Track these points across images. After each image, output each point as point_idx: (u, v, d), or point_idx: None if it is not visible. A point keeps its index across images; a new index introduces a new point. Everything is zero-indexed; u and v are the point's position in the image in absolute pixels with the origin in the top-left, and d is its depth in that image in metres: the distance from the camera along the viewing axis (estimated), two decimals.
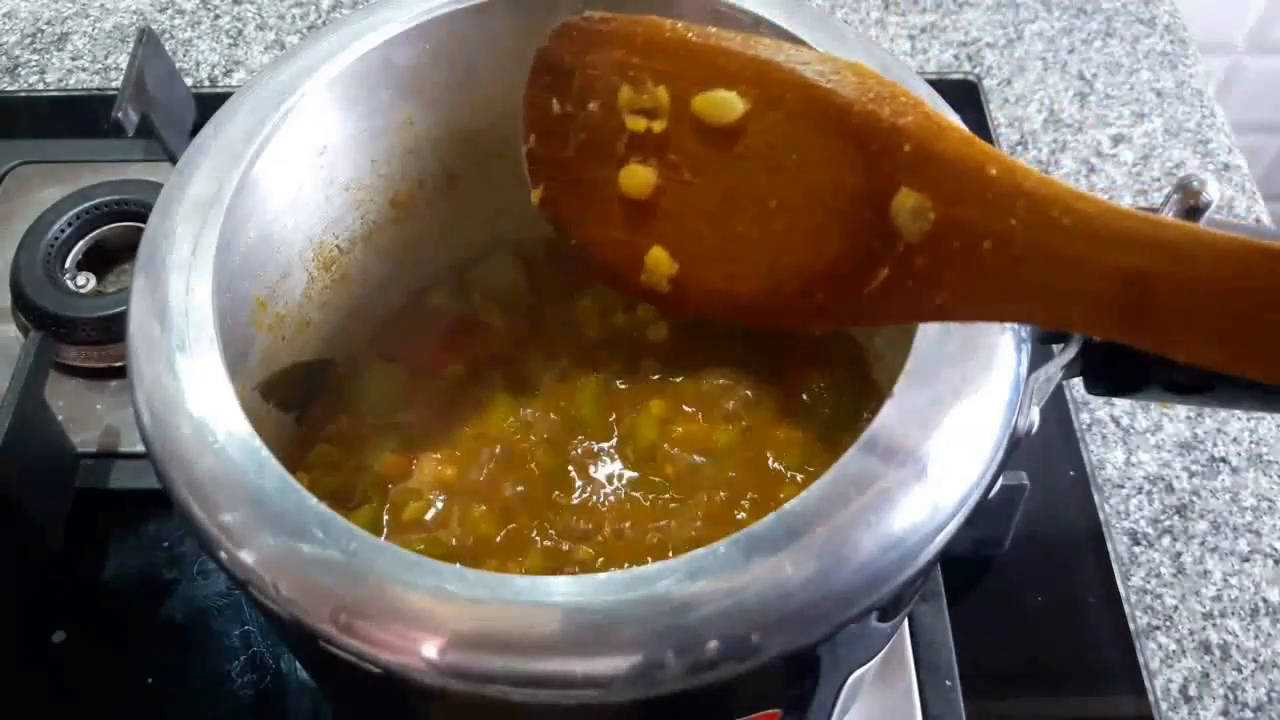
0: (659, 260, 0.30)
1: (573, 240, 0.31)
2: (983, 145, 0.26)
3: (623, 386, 0.43)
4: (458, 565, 0.27)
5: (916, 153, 0.26)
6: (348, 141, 0.40)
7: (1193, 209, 0.35)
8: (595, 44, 0.30)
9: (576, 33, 0.30)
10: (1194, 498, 0.54)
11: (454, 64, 0.41)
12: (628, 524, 0.40)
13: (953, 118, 0.36)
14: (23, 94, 0.72)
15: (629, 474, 0.41)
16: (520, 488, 0.41)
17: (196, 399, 0.30)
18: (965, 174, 0.25)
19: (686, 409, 0.42)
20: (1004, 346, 0.31)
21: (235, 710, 0.48)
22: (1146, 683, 0.49)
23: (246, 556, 0.28)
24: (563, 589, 0.27)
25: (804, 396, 0.42)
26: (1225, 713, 0.48)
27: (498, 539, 0.39)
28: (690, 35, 0.29)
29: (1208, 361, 0.24)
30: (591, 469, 0.41)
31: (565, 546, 0.39)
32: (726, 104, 0.29)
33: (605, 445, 0.42)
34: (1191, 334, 0.24)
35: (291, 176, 0.38)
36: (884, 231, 0.26)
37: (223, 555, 0.28)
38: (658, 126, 0.30)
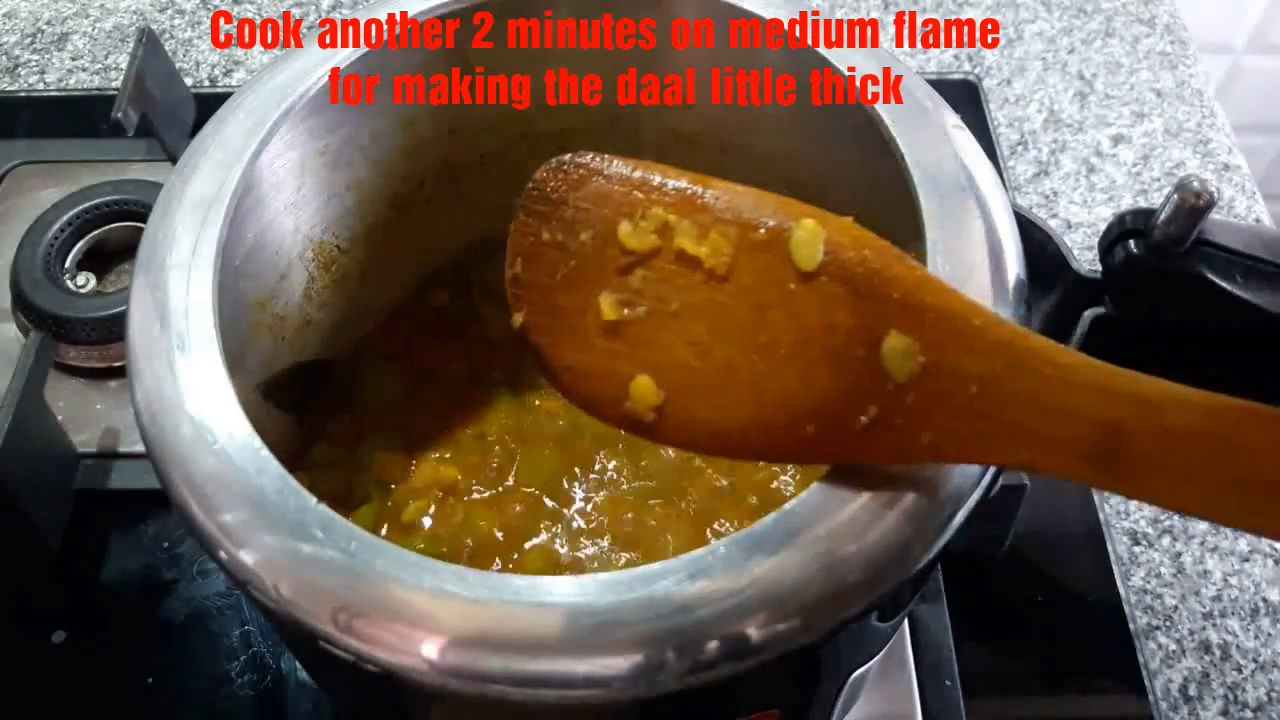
0: (645, 389, 0.30)
1: (554, 366, 0.31)
2: (966, 298, 0.27)
3: None
4: (458, 565, 0.27)
5: (905, 300, 0.27)
6: (348, 141, 0.40)
7: (1193, 210, 0.35)
8: (589, 178, 0.31)
9: (570, 168, 0.31)
10: None
11: (454, 64, 0.41)
12: (628, 524, 0.40)
13: (952, 117, 0.36)
14: (23, 94, 0.72)
15: (630, 474, 0.41)
16: (521, 488, 0.41)
17: (196, 399, 0.30)
18: (951, 323, 0.27)
19: None
20: None
21: (235, 710, 0.48)
22: (1146, 683, 0.49)
23: (246, 556, 0.28)
24: (563, 589, 0.27)
25: None
26: (1225, 713, 0.48)
27: (498, 539, 0.39)
28: (686, 181, 0.30)
29: (1182, 508, 0.26)
30: (593, 469, 0.41)
31: (566, 546, 0.39)
32: (717, 244, 0.29)
33: (606, 445, 0.42)
34: (1163, 481, 0.25)
35: (291, 176, 0.38)
36: (875, 370, 0.28)
37: (223, 555, 0.28)
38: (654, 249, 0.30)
